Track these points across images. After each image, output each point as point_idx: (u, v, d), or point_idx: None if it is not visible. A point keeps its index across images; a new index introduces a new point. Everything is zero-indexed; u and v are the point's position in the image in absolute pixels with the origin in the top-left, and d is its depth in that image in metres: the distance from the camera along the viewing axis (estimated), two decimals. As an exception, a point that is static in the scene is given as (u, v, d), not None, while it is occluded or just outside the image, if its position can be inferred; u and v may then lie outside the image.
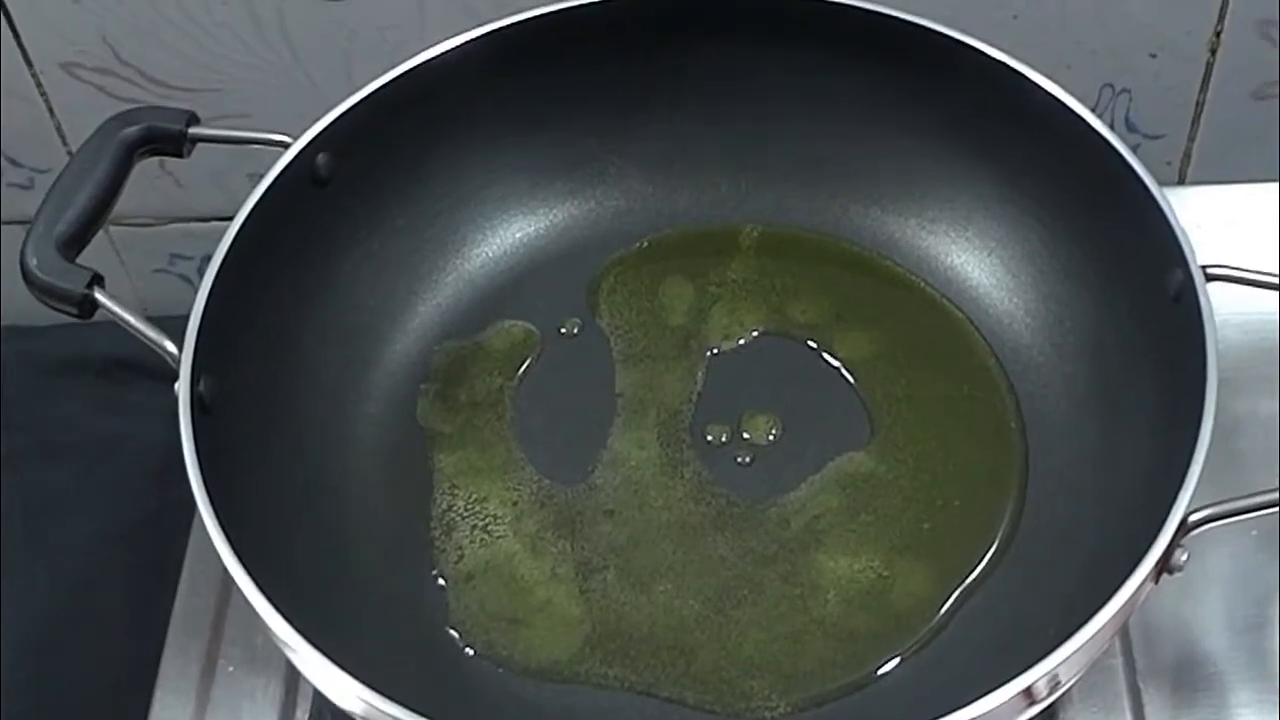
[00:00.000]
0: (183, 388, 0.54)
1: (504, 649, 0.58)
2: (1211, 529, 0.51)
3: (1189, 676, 0.60)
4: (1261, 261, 0.58)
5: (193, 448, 0.53)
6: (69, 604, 0.76)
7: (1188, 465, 0.50)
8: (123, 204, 0.61)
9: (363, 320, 0.65)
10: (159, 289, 0.90)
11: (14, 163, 0.84)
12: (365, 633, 0.56)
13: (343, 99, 0.62)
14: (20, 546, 0.78)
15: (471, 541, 0.60)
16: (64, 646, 0.75)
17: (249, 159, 0.80)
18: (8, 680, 0.73)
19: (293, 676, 0.62)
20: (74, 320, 0.58)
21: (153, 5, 0.76)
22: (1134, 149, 0.59)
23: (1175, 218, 0.57)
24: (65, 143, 0.82)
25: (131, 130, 0.60)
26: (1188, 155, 0.82)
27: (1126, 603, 0.49)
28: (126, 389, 0.83)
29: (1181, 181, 0.83)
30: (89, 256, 0.59)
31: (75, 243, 0.58)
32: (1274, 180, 0.75)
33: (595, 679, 0.57)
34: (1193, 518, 0.50)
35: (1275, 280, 0.56)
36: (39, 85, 0.80)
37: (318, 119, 0.62)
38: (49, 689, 0.73)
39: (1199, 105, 0.80)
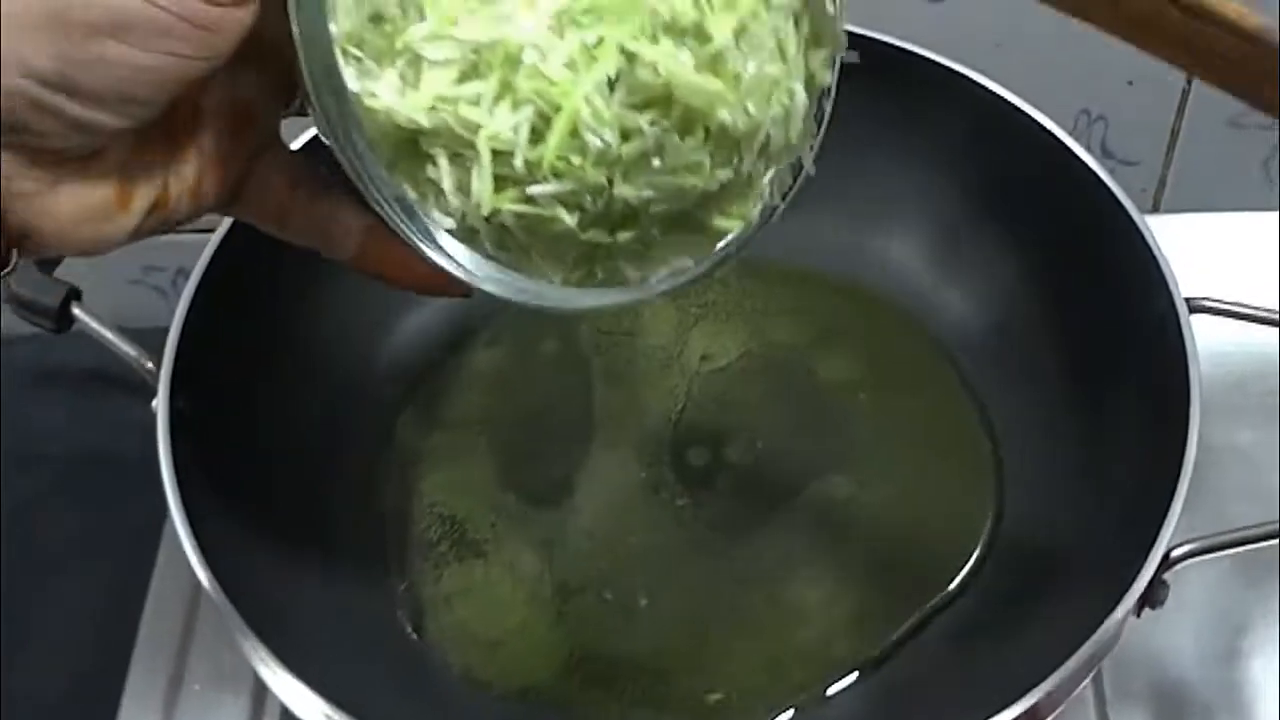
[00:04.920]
0: (161, 403, 0.54)
1: (482, 671, 0.58)
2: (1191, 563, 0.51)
3: (1160, 707, 0.60)
4: (1239, 291, 0.59)
5: (170, 463, 0.52)
6: (38, 617, 0.75)
7: (1170, 499, 0.50)
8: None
9: (343, 338, 0.65)
10: (133, 301, 0.89)
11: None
12: (340, 652, 0.56)
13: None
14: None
15: (450, 562, 0.60)
16: (27, 661, 0.74)
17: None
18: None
19: (259, 694, 0.62)
20: (49, 332, 0.57)
21: None
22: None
23: (1159, 248, 0.57)
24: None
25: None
26: (1163, 182, 0.82)
27: (1108, 638, 0.49)
28: (103, 402, 0.82)
29: (1156, 209, 0.84)
30: (62, 269, 0.58)
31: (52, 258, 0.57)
32: (1249, 210, 0.76)
33: (574, 702, 0.57)
34: (1175, 552, 0.50)
35: (1262, 314, 0.56)
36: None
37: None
38: (12, 701, 0.73)
39: (1175, 133, 0.80)
